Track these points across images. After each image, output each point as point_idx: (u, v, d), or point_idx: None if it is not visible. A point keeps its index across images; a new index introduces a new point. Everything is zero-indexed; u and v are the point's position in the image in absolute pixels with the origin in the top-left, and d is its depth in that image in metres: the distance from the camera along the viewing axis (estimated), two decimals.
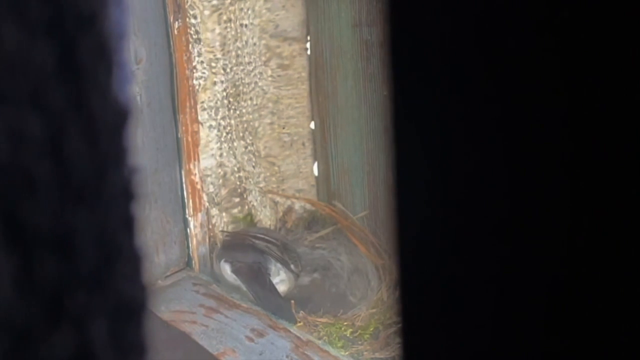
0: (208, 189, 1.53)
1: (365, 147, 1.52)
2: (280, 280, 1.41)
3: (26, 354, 0.16)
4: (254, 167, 1.60)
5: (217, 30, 1.49)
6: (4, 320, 0.16)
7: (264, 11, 1.54)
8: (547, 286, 0.18)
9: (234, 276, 1.39)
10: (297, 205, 1.66)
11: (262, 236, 1.44)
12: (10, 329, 0.16)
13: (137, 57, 1.35)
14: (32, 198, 0.16)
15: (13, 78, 0.16)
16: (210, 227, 1.53)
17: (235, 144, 1.56)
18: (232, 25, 1.51)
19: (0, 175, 0.16)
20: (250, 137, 1.58)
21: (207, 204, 1.52)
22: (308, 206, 1.65)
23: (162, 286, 1.42)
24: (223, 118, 1.53)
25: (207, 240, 1.52)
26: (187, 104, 1.45)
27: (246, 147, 1.58)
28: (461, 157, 0.19)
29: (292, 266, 1.43)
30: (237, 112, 1.55)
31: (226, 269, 1.41)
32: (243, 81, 1.54)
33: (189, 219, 1.48)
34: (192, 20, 1.45)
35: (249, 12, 1.53)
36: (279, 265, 1.41)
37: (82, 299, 0.17)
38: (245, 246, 1.42)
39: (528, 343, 0.19)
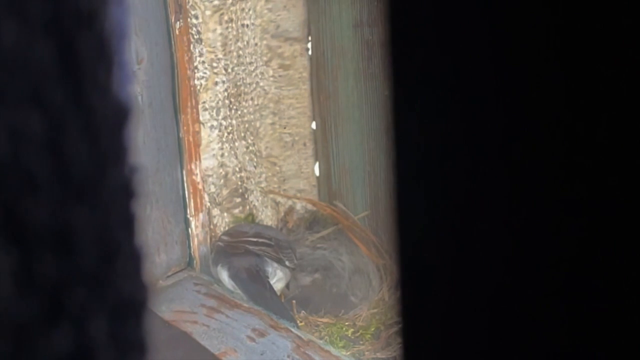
0: (209, 189, 1.53)
1: (367, 147, 1.52)
2: (278, 279, 1.41)
3: (26, 352, 0.16)
4: (255, 167, 1.60)
5: (219, 31, 1.49)
6: (4, 318, 0.16)
7: (265, 11, 1.54)
8: (547, 286, 0.18)
9: (232, 282, 1.39)
10: (299, 206, 1.66)
11: (256, 240, 1.43)
12: (10, 326, 0.16)
13: (138, 57, 1.35)
14: (32, 196, 0.16)
15: (13, 76, 0.16)
16: (212, 227, 1.53)
17: (236, 144, 1.56)
18: (234, 25, 1.51)
19: (0, 173, 0.16)
20: (252, 137, 1.58)
21: (208, 204, 1.52)
22: (309, 206, 1.66)
23: (163, 286, 1.42)
24: (224, 118, 1.53)
25: (209, 240, 1.52)
26: (189, 104, 1.45)
27: (247, 147, 1.58)
28: (462, 157, 0.19)
29: (287, 262, 1.42)
30: (239, 112, 1.55)
31: (223, 275, 1.40)
32: (244, 81, 1.54)
33: (190, 219, 1.48)
34: (194, 21, 1.46)
35: (251, 12, 1.53)
36: (275, 265, 1.41)
37: (81, 297, 0.17)
38: (240, 251, 1.42)
39: (528, 343, 0.19)
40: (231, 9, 1.50)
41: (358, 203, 1.58)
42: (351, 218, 1.58)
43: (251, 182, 1.60)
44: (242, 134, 1.56)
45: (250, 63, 1.54)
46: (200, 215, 1.50)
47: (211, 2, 1.47)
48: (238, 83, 1.54)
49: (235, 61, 1.52)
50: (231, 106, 1.53)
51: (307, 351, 1.23)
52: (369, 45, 1.45)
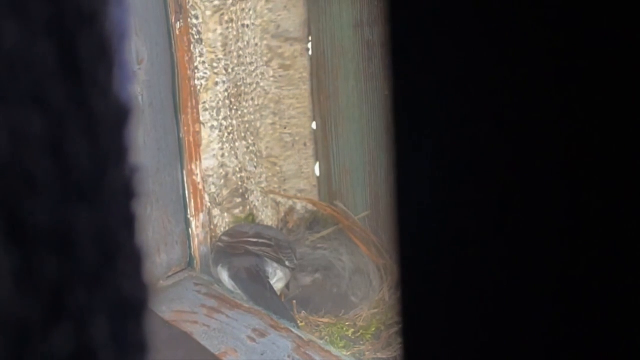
0: (210, 190, 1.53)
1: (367, 147, 1.52)
2: (278, 279, 1.41)
3: (26, 352, 0.16)
4: (255, 167, 1.60)
5: (219, 31, 1.49)
6: (5, 318, 0.16)
7: (265, 12, 1.54)
8: (547, 286, 0.18)
9: (232, 282, 1.39)
10: (299, 206, 1.66)
11: (256, 240, 1.43)
12: (11, 326, 0.16)
13: (138, 57, 1.35)
14: (33, 196, 0.16)
15: (14, 76, 0.16)
16: (212, 227, 1.53)
17: (237, 144, 1.56)
18: (234, 25, 1.51)
19: (1, 173, 0.16)
20: (252, 138, 1.58)
21: (208, 204, 1.52)
22: (310, 206, 1.66)
23: (163, 286, 1.42)
24: (225, 118, 1.53)
25: (209, 240, 1.52)
26: (189, 104, 1.45)
27: (248, 148, 1.58)
28: (462, 156, 0.19)
29: (287, 262, 1.42)
30: (239, 112, 1.55)
31: (224, 275, 1.40)
32: (245, 81, 1.54)
33: (191, 219, 1.48)
34: (194, 21, 1.46)
35: (251, 12, 1.53)
36: (275, 265, 1.41)
37: (82, 296, 0.17)
38: (240, 252, 1.41)
39: (528, 343, 0.19)
40: (231, 9, 1.50)
41: (358, 203, 1.58)
42: (351, 218, 1.58)
43: (251, 182, 1.60)
44: (243, 134, 1.56)
45: (251, 63, 1.54)
46: (201, 215, 1.50)
47: (211, 2, 1.47)
48: (238, 83, 1.54)
49: (235, 61, 1.52)
50: (231, 106, 1.53)
51: (308, 351, 1.23)
52: (369, 45, 1.45)
